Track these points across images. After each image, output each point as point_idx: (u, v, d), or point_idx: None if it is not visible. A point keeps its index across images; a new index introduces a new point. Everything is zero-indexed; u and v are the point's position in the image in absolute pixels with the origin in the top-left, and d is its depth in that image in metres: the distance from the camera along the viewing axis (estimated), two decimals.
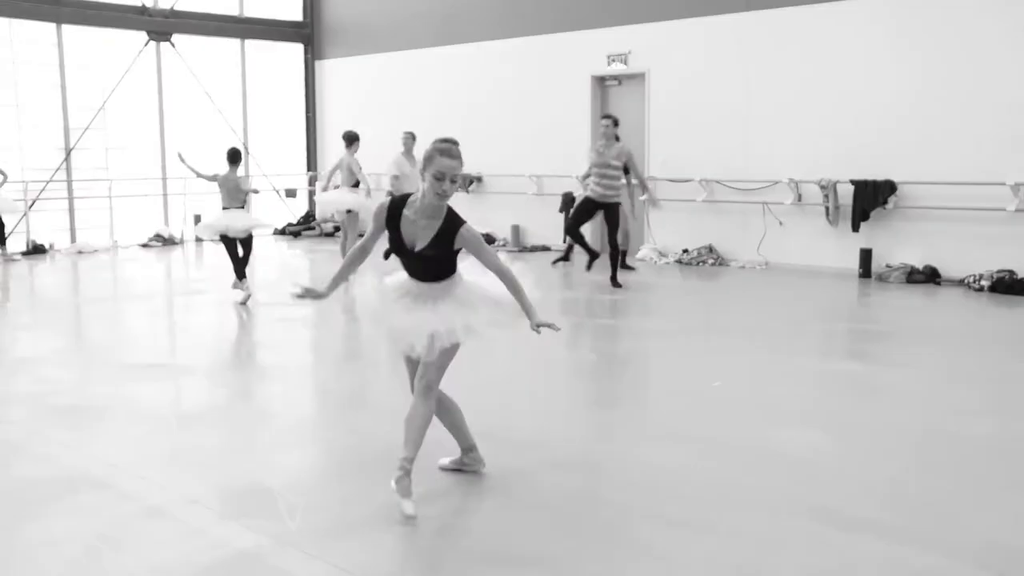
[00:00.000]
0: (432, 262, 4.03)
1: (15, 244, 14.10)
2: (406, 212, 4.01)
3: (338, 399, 6.09)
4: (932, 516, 3.98)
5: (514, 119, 14.43)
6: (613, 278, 10.50)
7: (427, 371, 4.04)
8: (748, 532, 3.80)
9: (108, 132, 15.41)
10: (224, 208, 9.82)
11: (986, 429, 5.17)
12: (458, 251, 4.04)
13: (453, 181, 3.94)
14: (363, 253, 4.21)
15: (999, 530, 3.82)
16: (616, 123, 10.29)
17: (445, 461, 4.49)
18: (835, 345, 7.87)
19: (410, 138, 11.79)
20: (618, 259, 10.72)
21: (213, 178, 9.80)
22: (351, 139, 11.74)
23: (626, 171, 10.35)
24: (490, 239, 14.72)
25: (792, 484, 4.35)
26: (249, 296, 9.70)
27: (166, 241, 15.60)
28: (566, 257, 12.28)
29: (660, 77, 12.79)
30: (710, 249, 12.39)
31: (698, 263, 12.25)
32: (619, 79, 13.36)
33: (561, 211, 13.75)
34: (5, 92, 14.39)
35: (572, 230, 10.69)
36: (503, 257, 4.08)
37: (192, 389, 6.45)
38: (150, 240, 15.52)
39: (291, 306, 8.93)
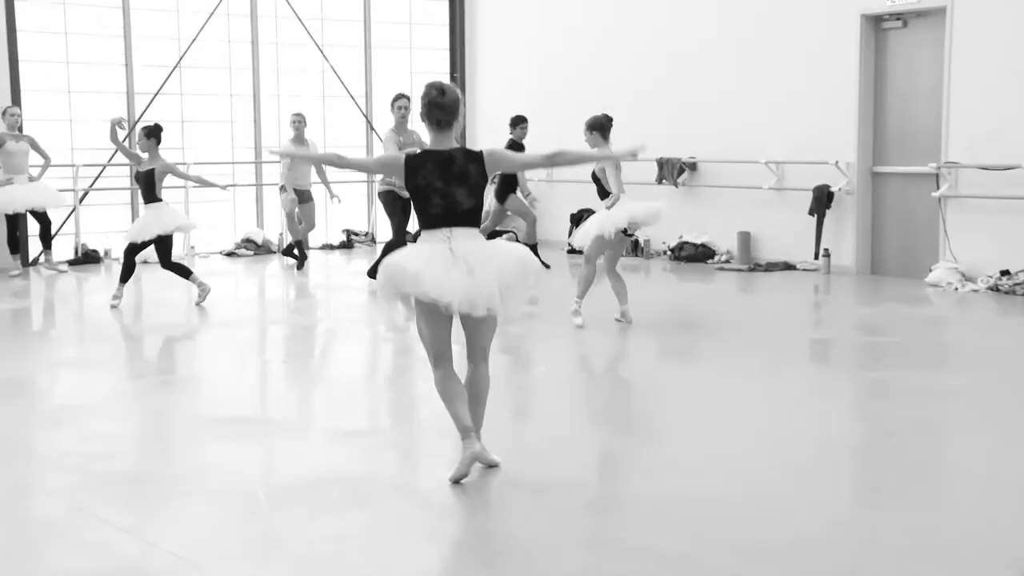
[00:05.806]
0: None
1: (61, 250, 14.50)
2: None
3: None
4: None
5: (744, 82, 14.22)
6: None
7: (482, 339, 5.77)
8: None
9: (184, 98, 15.92)
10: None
11: None
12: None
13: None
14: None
15: None
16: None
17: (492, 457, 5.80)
18: None
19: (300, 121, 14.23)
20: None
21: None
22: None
23: None
24: (709, 252, 14.52)
25: None
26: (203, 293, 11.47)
27: (259, 248, 15.99)
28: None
29: (969, 14, 12.30)
30: None
31: None
32: (904, 18, 12.98)
33: (812, 213, 13.45)
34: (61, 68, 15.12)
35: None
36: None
37: (289, 455, 6.50)
38: (238, 246, 15.99)
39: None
